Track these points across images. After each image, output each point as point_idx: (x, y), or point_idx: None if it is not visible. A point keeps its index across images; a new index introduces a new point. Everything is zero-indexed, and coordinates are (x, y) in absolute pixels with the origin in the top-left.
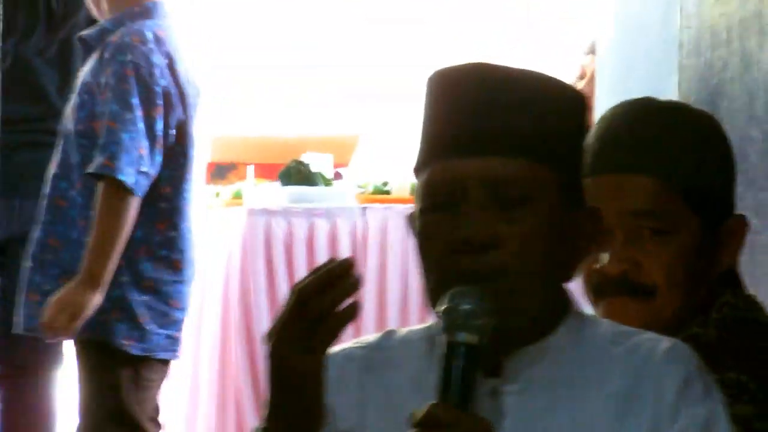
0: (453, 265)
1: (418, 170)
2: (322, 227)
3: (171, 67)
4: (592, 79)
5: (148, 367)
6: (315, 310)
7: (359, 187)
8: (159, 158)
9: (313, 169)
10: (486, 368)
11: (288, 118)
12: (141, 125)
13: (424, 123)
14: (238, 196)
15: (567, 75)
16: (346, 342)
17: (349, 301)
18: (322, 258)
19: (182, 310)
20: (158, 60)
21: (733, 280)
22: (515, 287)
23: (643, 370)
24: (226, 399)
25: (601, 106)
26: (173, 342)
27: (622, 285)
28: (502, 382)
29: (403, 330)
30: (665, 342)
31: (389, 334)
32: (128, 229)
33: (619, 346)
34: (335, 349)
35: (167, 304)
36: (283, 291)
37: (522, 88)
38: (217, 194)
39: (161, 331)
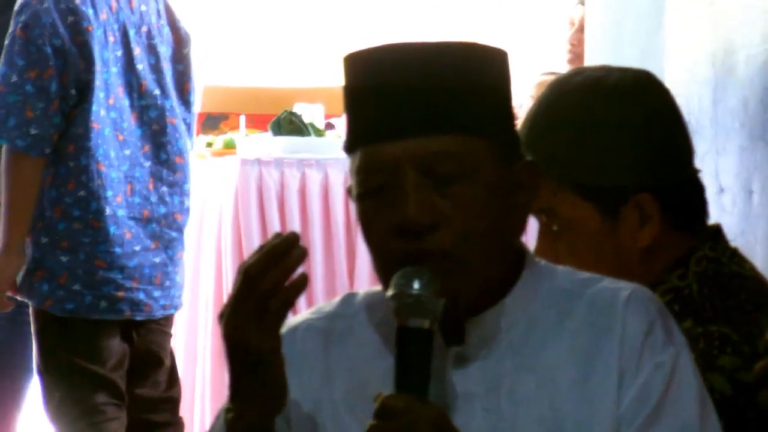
0: (397, 250)
1: (348, 151)
2: (314, 178)
3: (75, 25)
4: (581, 29)
5: (80, 327)
6: (264, 288)
7: None
8: (57, 119)
9: (305, 119)
10: (449, 337)
11: (279, 68)
12: (29, 87)
13: (347, 106)
14: (229, 145)
15: (557, 24)
16: (304, 312)
17: (296, 273)
18: (314, 209)
19: (113, 269)
20: (51, 19)
21: (714, 234)
22: (463, 264)
23: (604, 323)
24: (222, 348)
25: (591, 55)
26: (112, 301)
27: None
28: (466, 348)
29: (362, 293)
30: (624, 290)
31: (349, 300)
32: (29, 191)
33: (578, 298)
34: (295, 321)
35: (92, 263)
36: None
37: (439, 63)
38: (209, 144)
39: (88, 291)
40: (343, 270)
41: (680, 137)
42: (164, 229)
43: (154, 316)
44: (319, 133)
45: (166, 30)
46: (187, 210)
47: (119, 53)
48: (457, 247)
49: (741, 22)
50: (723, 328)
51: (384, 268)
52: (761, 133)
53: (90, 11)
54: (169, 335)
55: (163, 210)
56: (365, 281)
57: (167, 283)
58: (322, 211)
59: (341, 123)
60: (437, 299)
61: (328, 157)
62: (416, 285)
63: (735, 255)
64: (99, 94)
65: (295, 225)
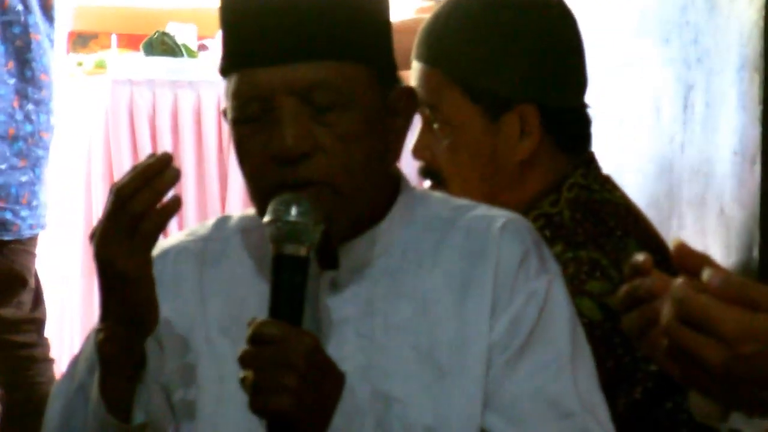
0: (274, 178)
1: (223, 74)
2: (186, 99)
3: None
4: None
5: None
6: (135, 209)
7: None
8: None
9: (178, 40)
10: (323, 261)
11: None
12: None
13: (223, 28)
14: (100, 65)
15: None
16: (177, 234)
17: (169, 195)
18: (186, 130)
19: None
20: None
21: (587, 162)
22: (340, 191)
23: (480, 251)
24: (92, 269)
25: None
26: None
27: (424, 173)
28: (340, 273)
29: (236, 216)
30: (500, 218)
31: (222, 223)
32: None
33: (453, 225)
34: (168, 243)
35: None
36: None
37: None
38: (80, 63)
39: None
40: (215, 193)
41: (576, 64)
42: (31, 147)
43: (23, 236)
44: (191, 54)
45: None
46: (53, 128)
47: None
48: (333, 174)
49: None
50: (592, 252)
51: (259, 195)
52: (635, 61)
53: None
54: (34, 255)
55: (29, 128)
56: (237, 204)
57: (34, 202)
58: (194, 134)
59: (214, 45)
60: (315, 226)
61: (200, 79)
62: (293, 212)
63: (606, 182)
64: None
65: (166, 147)
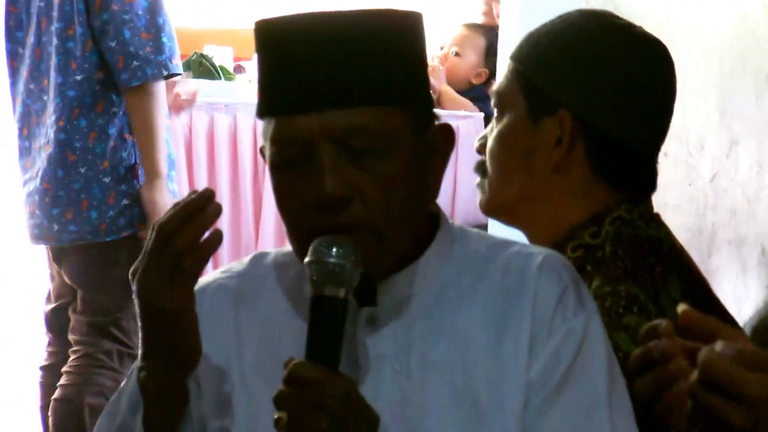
0: (313, 224)
1: (261, 117)
2: (223, 122)
3: None
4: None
5: None
6: (178, 245)
7: None
8: None
9: (215, 62)
10: (361, 298)
11: (189, 9)
12: None
13: (260, 73)
14: None
15: None
16: (214, 271)
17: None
18: (222, 152)
19: None
20: None
21: (636, 198)
22: (380, 234)
23: (517, 289)
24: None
25: (505, 7)
26: None
27: (476, 168)
28: (378, 310)
29: (273, 253)
30: (537, 255)
31: (259, 260)
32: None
33: (491, 262)
34: (205, 280)
35: None
36: (184, 185)
37: (352, 33)
38: None
39: None
40: (249, 214)
41: (647, 103)
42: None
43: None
44: (229, 76)
45: None
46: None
47: None
48: (373, 219)
49: None
50: (631, 287)
51: (299, 240)
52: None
53: None
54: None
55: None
56: (271, 225)
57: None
58: (229, 155)
59: (251, 66)
60: (354, 269)
61: (237, 102)
62: (333, 253)
63: (653, 220)
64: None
65: (202, 168)
